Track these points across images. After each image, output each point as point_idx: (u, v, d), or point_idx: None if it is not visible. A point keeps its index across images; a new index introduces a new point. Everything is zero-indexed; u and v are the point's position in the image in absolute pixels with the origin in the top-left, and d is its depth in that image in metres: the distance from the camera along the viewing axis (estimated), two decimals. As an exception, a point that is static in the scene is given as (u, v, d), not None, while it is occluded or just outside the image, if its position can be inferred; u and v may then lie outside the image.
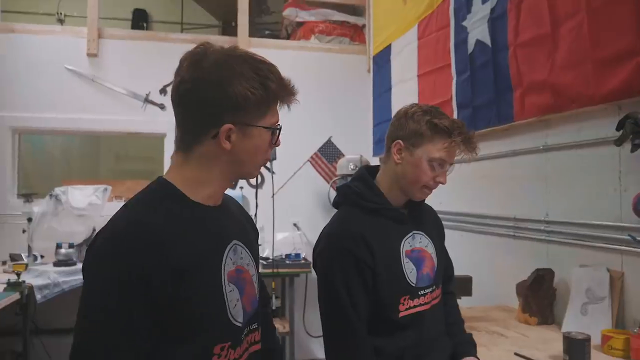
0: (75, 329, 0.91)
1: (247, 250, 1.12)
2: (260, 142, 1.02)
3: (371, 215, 1.51)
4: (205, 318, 0.97)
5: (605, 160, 2.02)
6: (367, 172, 1.61)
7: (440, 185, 1.54)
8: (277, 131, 1.05)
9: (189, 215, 0.99)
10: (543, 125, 2.39)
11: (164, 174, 1.05)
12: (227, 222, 1.10)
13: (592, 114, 2.09)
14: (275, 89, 1.00)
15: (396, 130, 1.53)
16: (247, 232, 1.17)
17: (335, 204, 1.62)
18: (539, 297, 2.22)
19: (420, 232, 1.58)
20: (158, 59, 4.10)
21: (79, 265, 3.34)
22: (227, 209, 1.13)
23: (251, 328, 1.10)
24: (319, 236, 1.54)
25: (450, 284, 1.75)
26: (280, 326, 3.77)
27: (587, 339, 1.70)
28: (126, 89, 4.12)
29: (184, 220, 0.98)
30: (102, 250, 0.91)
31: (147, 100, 4.13)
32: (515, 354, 1.81)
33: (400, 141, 1.50)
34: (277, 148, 1.11)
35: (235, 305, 1.03)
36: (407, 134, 1.49)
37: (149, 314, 0.90)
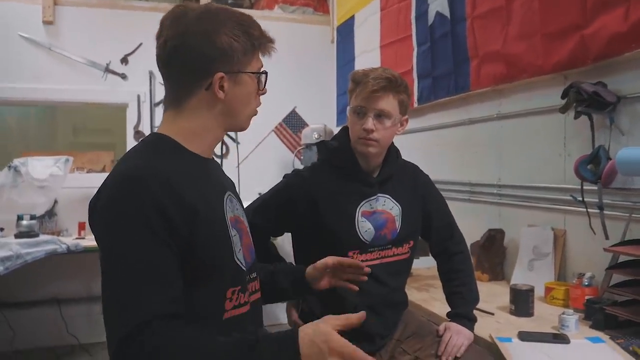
0: (105, 281, 0.91)
1: (239, 203, 1.18)
2: (251, 88, 1.07)
3: (338, 171, 1.63)
4: (217, 260, 1.00)
5: (553, 127, 2.16)
6: (345, 133, 1.68)
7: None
8: (264, 76, 1.09)
9: (189, 162, 1.03)
10: (497, 94, 2.52)
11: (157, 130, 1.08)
12: (220, 173, 1.18)
13: (541, 83, 2.22)
14: (257, 36, 1.05)
15: None
16: (234, 187, 1.22)
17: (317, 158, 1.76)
18: (491, 255, 2.39)
19: (385, 195, 1.65)
20: (119, 28, 3.99)
21: (42, 237, 3.31)
22: (217, 163, 1.18)
23: (251, 277, 1.12)
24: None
25: (451, 244, 1.77)
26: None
27: (531, 290, 1.86)
28: (85, 58, 4.01)
29: (186, 166, 1.00)
30: (118, 194, 0.92)
31: (107, 69, 4.05)
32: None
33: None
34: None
35: (240, 249, 1.07)
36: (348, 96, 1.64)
37: (175, 250, 0.92)
